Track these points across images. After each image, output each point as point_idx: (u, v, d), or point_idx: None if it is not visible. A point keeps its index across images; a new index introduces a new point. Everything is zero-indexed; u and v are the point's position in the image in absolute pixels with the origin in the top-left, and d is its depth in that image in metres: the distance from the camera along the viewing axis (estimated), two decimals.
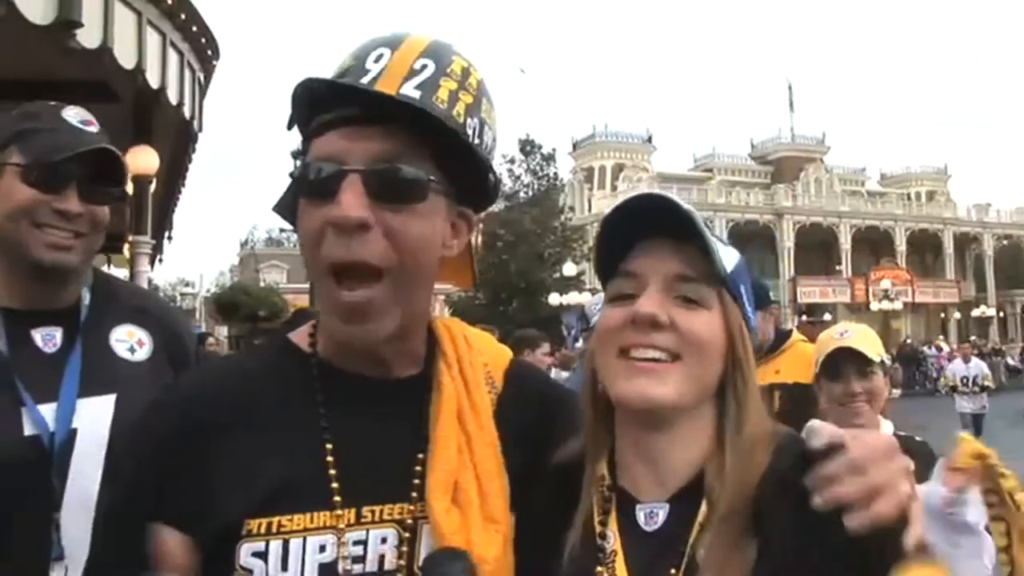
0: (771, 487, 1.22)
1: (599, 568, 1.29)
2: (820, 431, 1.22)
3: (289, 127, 1.36)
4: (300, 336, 1.43)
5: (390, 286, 1.25)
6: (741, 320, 1.35)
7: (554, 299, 36.56)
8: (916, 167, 79.14)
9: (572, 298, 34.99)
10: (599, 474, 1.35)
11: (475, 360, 1.44)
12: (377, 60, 1.27)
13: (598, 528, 1.32)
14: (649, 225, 1.32)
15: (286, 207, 1.42)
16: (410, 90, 1.25)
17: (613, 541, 1.30)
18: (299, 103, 1.30)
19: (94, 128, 2.04)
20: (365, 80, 1.25)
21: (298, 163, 1.36)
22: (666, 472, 1.32)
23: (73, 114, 2.03)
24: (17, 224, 1.93)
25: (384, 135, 1.24)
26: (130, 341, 2.11)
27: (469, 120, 1.30)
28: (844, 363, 3.17)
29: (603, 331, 1.34)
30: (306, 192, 1.27)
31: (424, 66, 1.27)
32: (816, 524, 1.14)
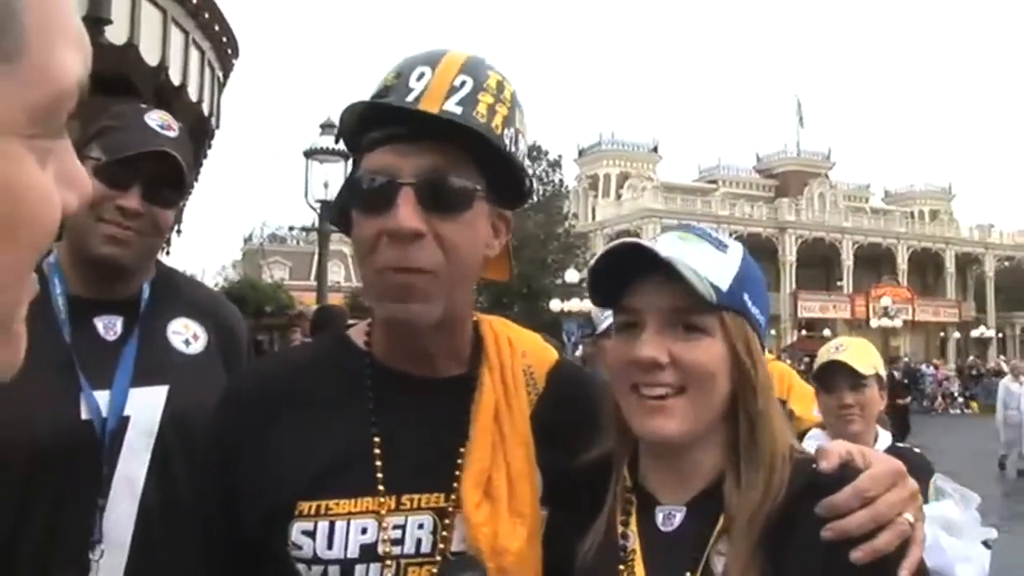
0: (786, 509, 1.27)
1: (620, 567, 1.35)
2: (830, 452, 1.30)
3: (337, 140, 1.47)
4: (357, 333, 1.54)
5: (435, 278, 1.33)
6: (747, 333, 1.37)
7: (555, 305, 36.56)
8: (920, 186, 79.15)
9: (573, 305, 35.00)
10: (622, 475, 1.42)
11: (516, 362, 1.52)
12: (419, 79, 1.35)
13: (620, 528, 1.38)
14: (641, 262, 1.35)
15: (338, 214, 1.50)
16: (452, 106, 1.33)
17: (633, 541, 1.37)
18: (348, 121, 1.40)
19: (172, 133, 2.09)
20: (410, 98, 1.33)
21: (350, 174, 1.45)
22: (683, 480, 1.38)
23: (155, 117, 2.10)
24: (84, 216, 1.98)
25: (431, 150, 1.32)
26: (186, 334, 2.17)
27: (506, 131, 1.39)
28: (837, 376, 3.33)
29: (614, 366, 1.41)
30: (360, 204, 1.36)
31: (463, 83, 1.36)
32: (825, 551, 1.21)
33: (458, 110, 1.33)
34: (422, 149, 1.33)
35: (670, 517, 1.37)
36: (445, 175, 1.33)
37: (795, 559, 1.24)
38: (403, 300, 1.34)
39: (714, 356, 1.34)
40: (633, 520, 1.39)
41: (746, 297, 1.37)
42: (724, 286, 1.34)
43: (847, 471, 1.27)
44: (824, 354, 3.46)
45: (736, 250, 1.42)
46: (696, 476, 1.38)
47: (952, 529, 2.61)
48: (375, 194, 1.33)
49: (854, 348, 3.45)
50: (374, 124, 1.36)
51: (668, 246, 1.36)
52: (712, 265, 1.35)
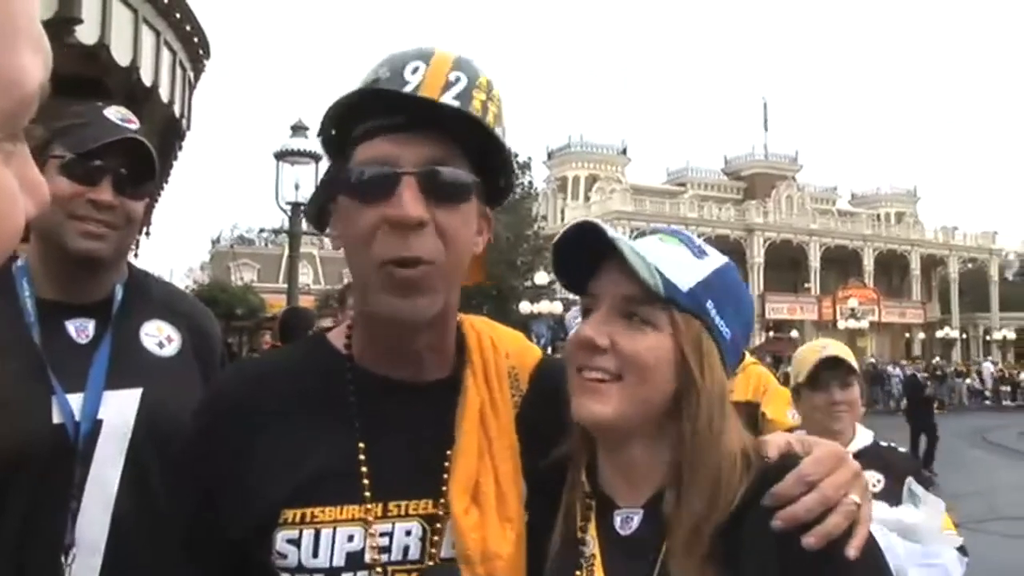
0: (740, 508, 1.25)
1: (578, 572, 1.34)
2: (770, 444, 1.32)
3: (326, 146, 1.42)
4: (336, 336, 1.51)
5: (436, 269, 1.32)
6: (700, 338, 1.33)
7: (524, 307, 36.62)
8: (886, 188, 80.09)
9: (543, 306, 35.09)
10: (579, 479, 1.40)
11: (500, 363, 1.50)
12: (414, 72, 1.32)
13: (579, 533, 1.37)
14: (604, 248, 1.35)
15: (316, 212, 1.48)
16: (449, 99, 1.31)
17: (592, 545, 1.35)
18: (335, 114, 1.35)
19: (133, 125, 2.08)
20: (407, 89, 1.31)
21: (340, 167, 1.39)
22: (638, 481, 1.36)
23: (113, 112, 2.09)
24: (54, 214, 1.95)
25: (432, 140, 1.32)
26: (159, 336, 2.15)
27: (497, 128, 1.38)
28: (827, 373, 3.37)
29: (567, 350, 1.41)
30: (358, 193, 1.33)
31: (458, 78, 1.34)
32: (777, 541, 1.20)
33: (456, 103, 1.32)
34: (421, 139, 1.32)
35: (628, 520, 1.36)
36: (446, 165, 1.32)
37: (749, 554, 1.23)
38: (406, 295, 1.32)
39: (655, 350, 1.32)
40: (592, 524, 1.38)
41: (709, 304, 1.35)
42: (683, 286, 1.33)
43: (789, 460, 1.28)
44: (811, 355, 3.47)
45: (714, 260, 1.40)
46: (650, 477, 1.36)
47: (909, 533, 2.63)
48: (374, 183, 1.31)
49: (839, 346, 3.50)
50: (369, 114, 1.34)
51: (640, 243, 1.38)
52: (676, 264, 1.35)
